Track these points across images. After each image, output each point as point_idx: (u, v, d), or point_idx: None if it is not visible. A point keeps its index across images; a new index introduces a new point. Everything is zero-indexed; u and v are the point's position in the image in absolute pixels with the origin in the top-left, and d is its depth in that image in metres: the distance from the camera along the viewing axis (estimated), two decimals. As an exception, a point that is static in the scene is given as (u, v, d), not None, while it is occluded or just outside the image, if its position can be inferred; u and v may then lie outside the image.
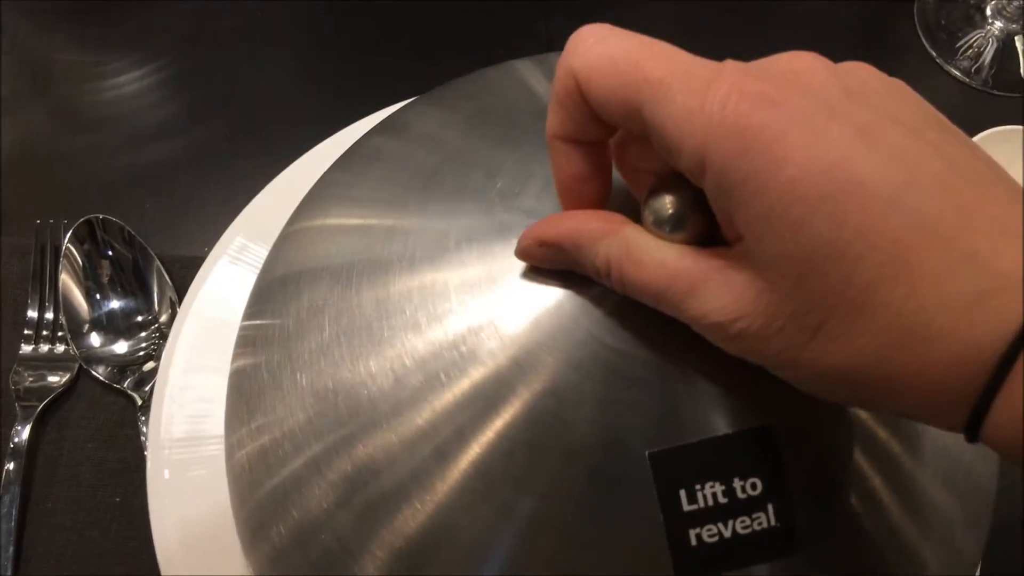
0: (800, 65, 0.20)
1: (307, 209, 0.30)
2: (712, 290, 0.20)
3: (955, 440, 0.25)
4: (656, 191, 0.22)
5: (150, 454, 0.37)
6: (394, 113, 0.32)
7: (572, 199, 0.23)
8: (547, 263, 0.24)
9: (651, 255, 0.21)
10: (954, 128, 0.20)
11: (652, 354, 0.23)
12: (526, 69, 0.31)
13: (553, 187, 0.25)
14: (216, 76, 0.52)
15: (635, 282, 0.21)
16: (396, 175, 0.28)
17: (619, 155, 0.24)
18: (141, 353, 0.42)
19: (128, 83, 0.51)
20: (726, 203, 0.19)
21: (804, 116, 0.18)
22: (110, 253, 0.43)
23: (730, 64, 0.20)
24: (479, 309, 0.24)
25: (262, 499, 0.26)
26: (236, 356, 0.29)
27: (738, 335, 0.20)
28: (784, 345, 0.19)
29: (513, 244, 0.24)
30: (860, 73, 0.20)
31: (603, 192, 0.23)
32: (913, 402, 0.18)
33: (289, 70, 0.53)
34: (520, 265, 0.24)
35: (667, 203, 0.22)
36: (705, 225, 0.22)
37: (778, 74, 0.19)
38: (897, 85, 0.20)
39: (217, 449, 0.37)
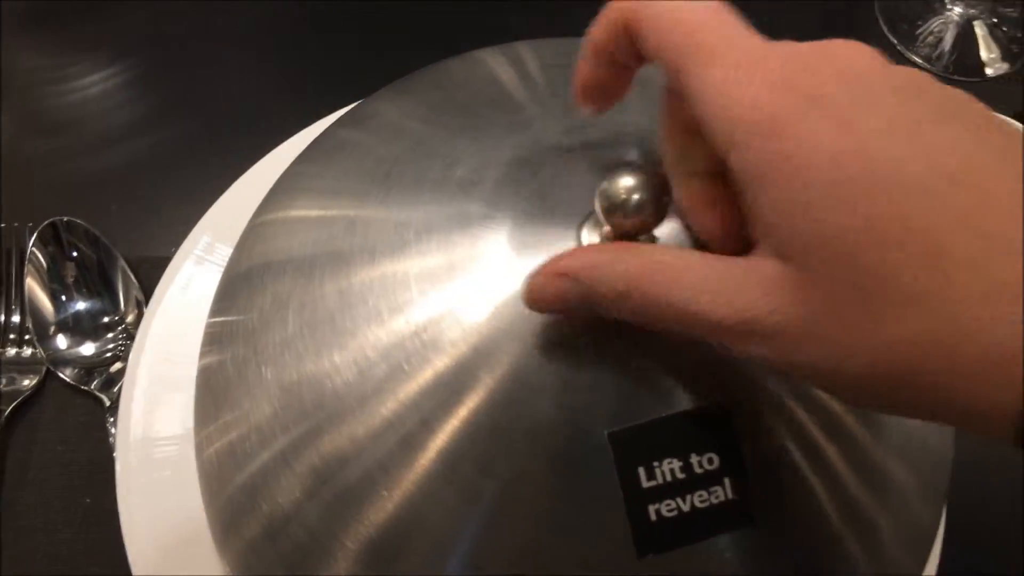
0: (846, 54, 0.20)
1: (271, 202, 0.30)
2: (743, 287, 0.19)
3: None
4: (608, 177, 0.22)
5: (119, 455, 0.37)
6: (358, 104, 0.32)
7: (587, 99, 0.24)
8: (559, 303, 0.22)
9: (675, 260, 0.20)
10: (996, 118, 0.19)
11: (611, 336, 0.23)
12: (491, 58, 0.31)
13: (510, 177, 0.25)
14: (180, 77, 0.52)
15: (657, 295, 0.20)
16: (358, 166, 0.28)
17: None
18: (108, 354, 0.42)
19: (91, 86, 0.51)
20: (754, 186, 0.19)
21: (841, 105, 0.18)
22: (75, 255, 0.43)
23: (779, 45, 0.20)
24: (440, 298, 0.24)
25: (232, 494, 0.26)
26: (203, 354, 0.29)
27: (770, 334, 0.19)
28: (819, 344, 0.18)
29: (472, 233, 0.24)
30: (906, 71, 0.20)
31: (615, 100, 0.24)
32: (954, 398, 0.17)
33: (254, 69, 0.53)
34: (480, 254, 0.24)
35: (621, 188, 0.22)
36: (660, 210, 0.22)
37: (822, 60, 0.19)
38: (948, 89, 0.20)
39: (186, 448, 0.36)
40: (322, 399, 0.24)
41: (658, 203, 0.22)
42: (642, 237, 0.23)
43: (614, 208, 0.22)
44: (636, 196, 0.22)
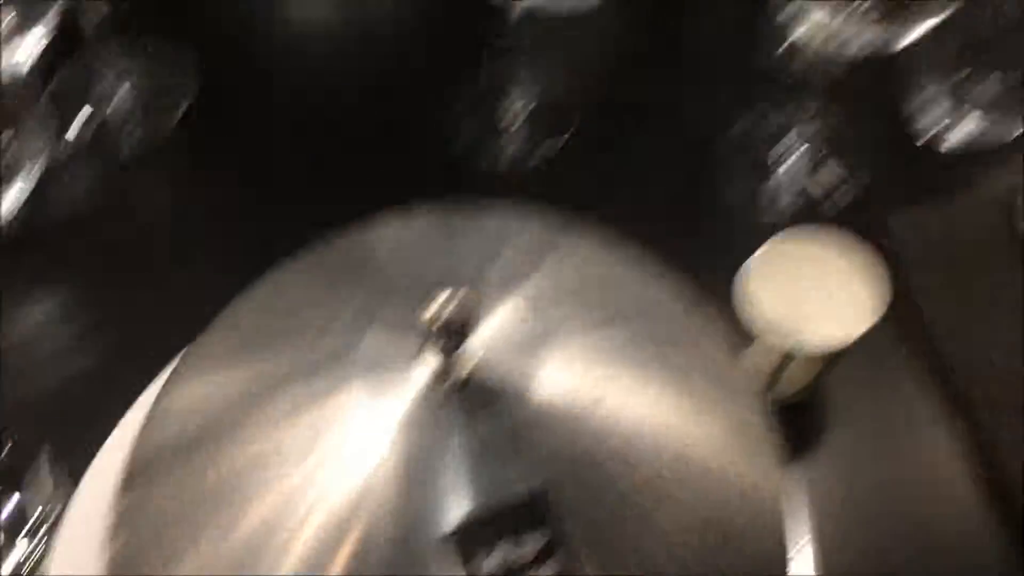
0: None
1: (168, 385, 0.33)
2: None
3: (723, 509, 0.29)
4: (428, 299, 0.26)
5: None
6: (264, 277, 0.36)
7: None
8: None
9: None
10: None
11: (445, 448, 0.27)
12: (394, 222, 0.35)
13: (381, 339, 0.29)
14: (111, 301, 0.56)
15: None
16: (242, 339, 0.32)
17: None
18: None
19: (32, 314, 0.55)
20: None
21: None
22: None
23: None
24: (307, 464, 0.27)
25: None
26: (105, 543, 0.30)
27: None
28: None
29: (340, 398, 0.28)
30: None
31: None
32: None
33: (181, 293, 0.56)
34: (337, 395, 0.28)
35: (436, 306, 0.26)
36: (473, 320, 0.26)
37: None
38: None
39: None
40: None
41: (469, 314, 0.26)
42: (464, 352, 0.27)
43: (434, 321, 0.26)
44: (447, 310, 0.26)
